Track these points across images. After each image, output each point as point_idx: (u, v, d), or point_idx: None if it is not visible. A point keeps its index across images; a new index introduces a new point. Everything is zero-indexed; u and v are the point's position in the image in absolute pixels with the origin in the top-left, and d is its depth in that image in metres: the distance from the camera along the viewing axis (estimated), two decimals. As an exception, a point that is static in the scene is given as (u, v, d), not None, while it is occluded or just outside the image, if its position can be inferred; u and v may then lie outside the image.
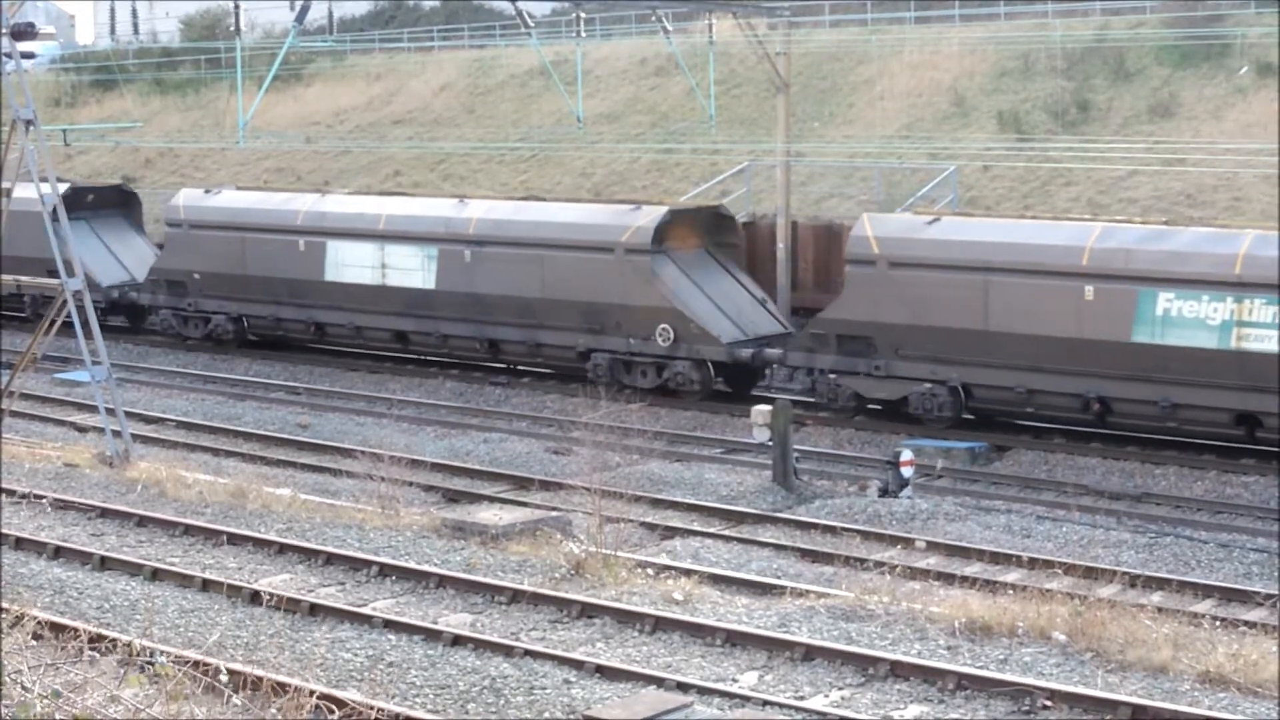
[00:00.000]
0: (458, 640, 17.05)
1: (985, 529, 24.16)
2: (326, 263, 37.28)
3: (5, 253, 40.02)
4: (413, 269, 35.95)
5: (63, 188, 42.38)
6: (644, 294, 32.80)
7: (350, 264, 36.95)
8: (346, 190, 41.20)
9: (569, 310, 33.70)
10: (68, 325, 26.73)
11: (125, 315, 43.14)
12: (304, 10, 35.89)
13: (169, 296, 40.63)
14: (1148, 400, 27.66)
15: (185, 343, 40.43)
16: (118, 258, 42.89)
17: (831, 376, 30.93)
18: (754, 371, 33.34)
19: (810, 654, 16.62)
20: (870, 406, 31.10)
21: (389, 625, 17.59)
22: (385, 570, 19.84)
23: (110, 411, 26.71)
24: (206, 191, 41.42)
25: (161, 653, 14.70)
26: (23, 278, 32.11)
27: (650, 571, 20.17)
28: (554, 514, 23.05)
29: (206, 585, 19.19)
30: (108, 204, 43.94)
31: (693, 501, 25.66)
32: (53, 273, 40.51)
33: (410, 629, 17.48)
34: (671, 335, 32.38)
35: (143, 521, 22.36)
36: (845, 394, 30.88)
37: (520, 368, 36.31)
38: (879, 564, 21.60)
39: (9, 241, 39.87)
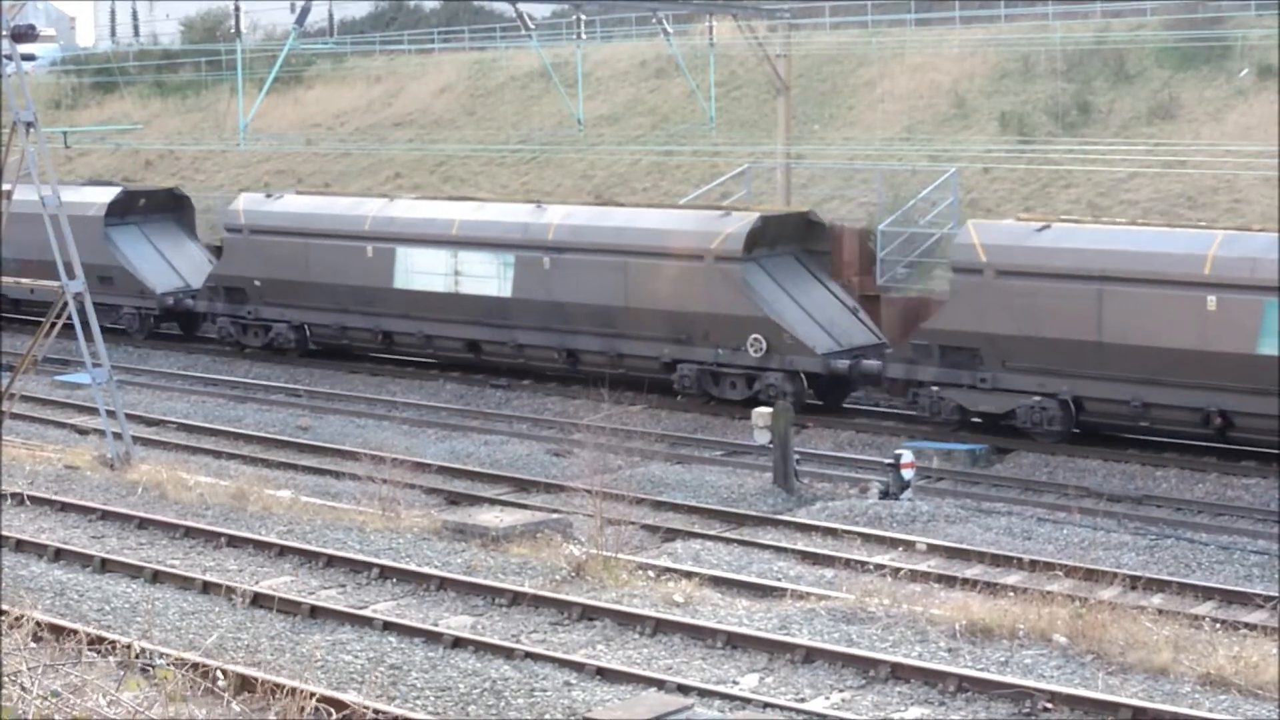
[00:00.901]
0: (458, 642, 17.04)
1: (986, 531, 24.15)
2: (396, 269, 36.19)
3: (54, 258, 39.82)
4: (488, 276, 34.82)
5: (114, 192, 42.29)
6: (735, 303, 31.65)
7: (421, 271, 35.82)
8: (413, 195, 40.22)
9: (654, 319, 32.59)
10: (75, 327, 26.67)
11: (178, 323, 42.16)
12: (304, 12, 35.89)
13: (227, 304, 39.46)
14: (1274, 415, 26.48)
15: (243, 351, 39.35)
16: (171, 263, 41.78)
17: (934, 389, 29.77)
18: (847, 383, 32.12)
19: (811, 656, 16.62)
20: (973, 420, 30.01)
21: (389, 627, 17.59)
22: (386, 572, 19.84)
23: (111, 414, 26.71)
24: (268, 196, 40.23)
25: (161, 655, 14.70)
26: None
27: (651, 574, 20.17)
28: (555, 516, 23.06)
29: (207, 587, 19.19)
30: (159, 208, 42.89)
31: (693, 504, 25.65)
32: (104, 280, 40.39)
33: (411, 631, 17.47)
34: (764, 346, 31.23)
35: (143, 524, 22.37)
36: (948, 407, 29.74)
37: (607, 375, 34.35)
38: (879, 566, 21.61)
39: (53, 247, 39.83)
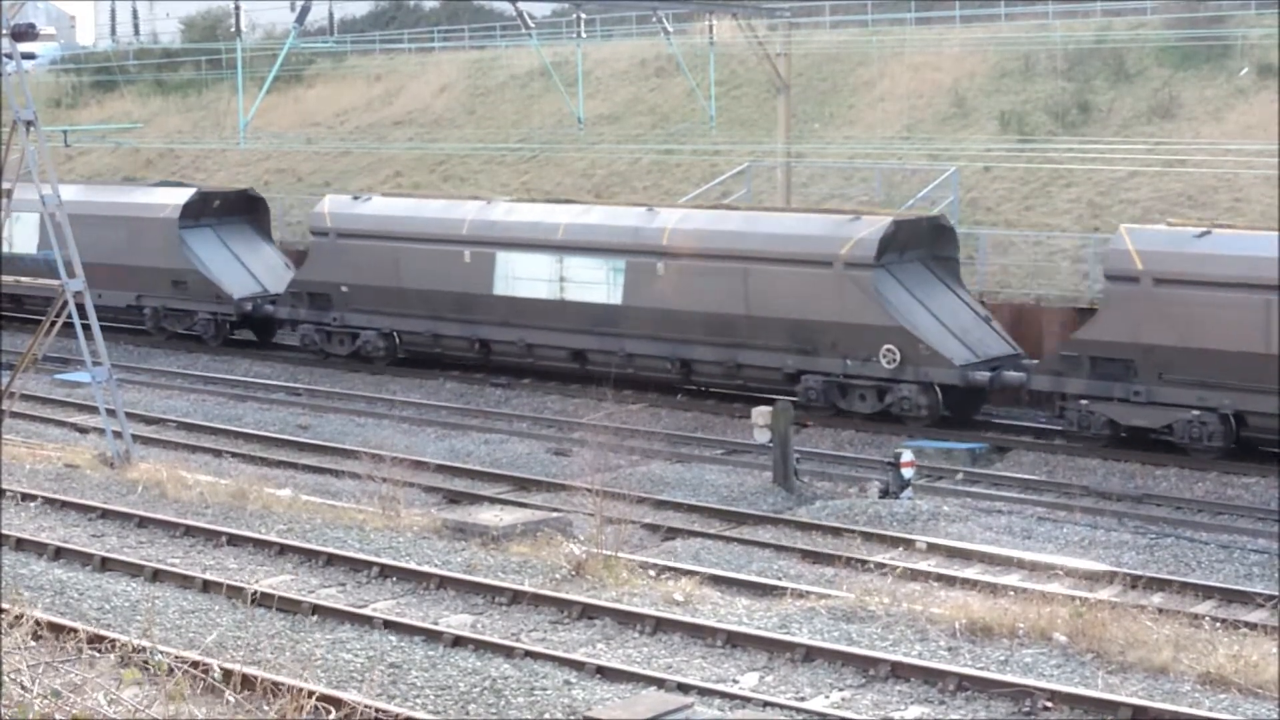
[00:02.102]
0: (458, 641, 17.04)
1: (986, 530, 24.16)
2: (496, 275, 34.65)
3: (124, 262, 39.41)
4: (596, 282, 33.30)
5: (188, 193, 40.92)
6: (866, 312, 30.16)
7: (523, 277, 34.32)
8: (511, 197, 38.62)
9: (777, 329, 31.10)
10: (72, 326, 26.63)
11: (253, 329, 40.60)
12: (304, 11, 35.95)
13: (311, 310, 37.76)
14: None
15: (326, 359, 37.77)
16: (247, 267, 40.08)
17: (1083, 402, 28.35)
18: (980, 396, 30.71)
19: (811, 655, 16.61)
20: (1122, 435, 28.69)
21: (389, 626, 17.58)
22: (386, 571, 19.83)
23: (111, 412, 26.70)
24: (355, 198, 38.43)
25: (160, 652, 14.70)
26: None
27: (651, 572, 20.16)
28: (555, 515, 23.04)
29: (207, 586, 19.18)
30: (233, 210, 41.14)
31: (694, 502, 25.65)
32: (178, 284, 39.79)
33: (411, 630, 17.46)
34: (897, 357, 29.83)
35: (143, 522, 22.35)
36: (1099, 421, 28.32)
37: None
38: (879, 565, 21.60)
39: (127, 251, 39.35)
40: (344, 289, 37.15)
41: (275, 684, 13.79)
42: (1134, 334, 27.94)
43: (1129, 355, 28.02)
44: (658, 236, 32.78)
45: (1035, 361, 30.36)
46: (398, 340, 37.03)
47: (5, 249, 40.42)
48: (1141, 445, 28.31)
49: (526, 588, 18.75)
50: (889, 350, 29.94)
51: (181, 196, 40.48)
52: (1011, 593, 19.36)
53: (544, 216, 34.80)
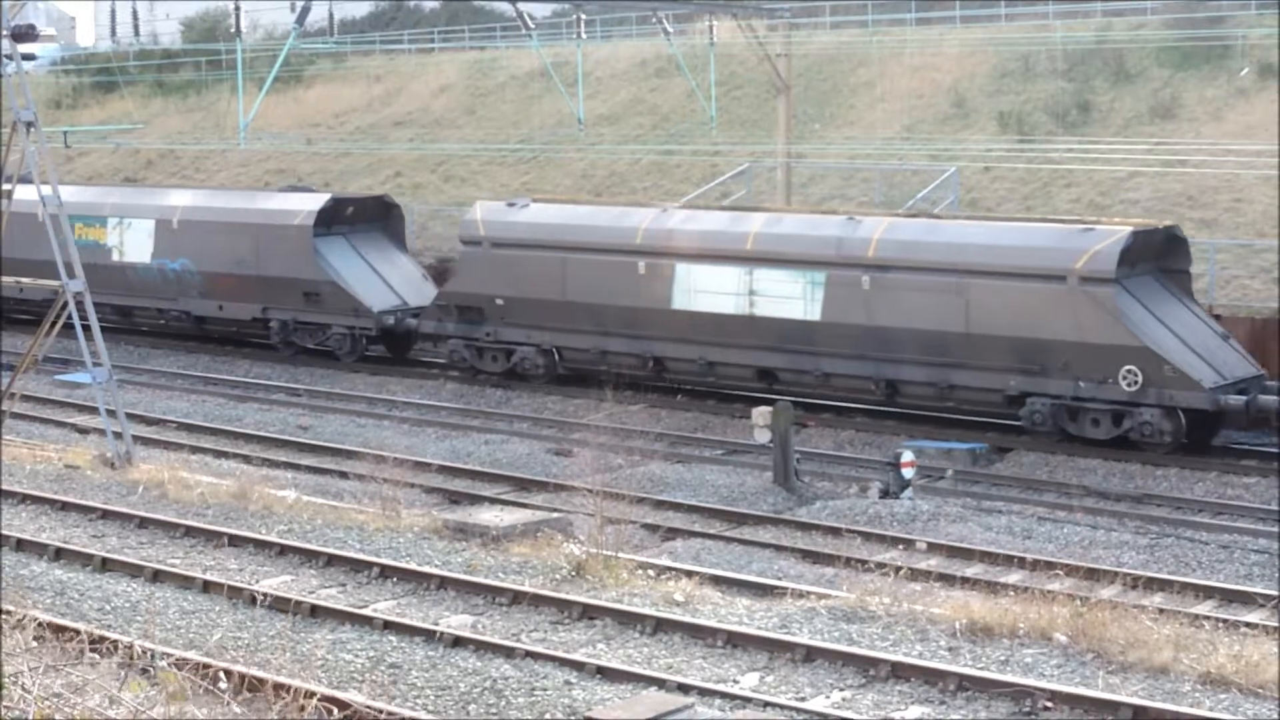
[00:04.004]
0: (459, 641, 17.05)
1: (986, 530, 24.18)
2: (674, 288, 32.60)
3: (250, 273, 38.66)
4: (791, 297, 31.26)
5: (322, 199, 38.67)
6: (1104, 330, 28.09)
7: (706, 290, 32.23)
8: (678, 204, 36.10)
9: (998, 347, 29.10)
10: (76, 327, 26.64)
11: (385, 344, 38.31)
12: (304, 12, 35.92)
13: (460, 324, 35.47)
14: None
15: (476, 376, 35.63)
16: (384, 278, 37.83)
17: None
18: (1219, 420, 28.70)
19: (811, 655, 16.62)
20: None
21: (390, 627, 17.59)
22: (386, 572, 19.84)
23: (111, 413, 26.71)
24: (510, 205, 35.93)
25: (162, 655, 14.72)
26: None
27: (651, 573, 20.16)
28: (555, 515, 23.05)
29: (208, 587, 19.19)
30: (367, 217, 38.84)
31: (694, 503, 25.67)
32: (310, 296, 38.02)
33: (411, 630, 17.48)
34: (1139, 378, 27.85)
35: (144, 523, 22.36)
36: None
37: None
38: (880, 565, 21.60)
39: (254, 261, 38.57)
40: (499, 302, 34.96)
41: (276, 684, 13.80)
42: None
43: None
44: (863, 247, 30.74)
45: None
46: (558, 357, 34.84)
47: (115, 258, 39.58)
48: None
49: (527, 588, 18.76)
50: (1129, 371, 28.01)
51: (315, 203, 38.25)
52: (1012, 592, 19.37)
53: (729, 225, 32.80)
